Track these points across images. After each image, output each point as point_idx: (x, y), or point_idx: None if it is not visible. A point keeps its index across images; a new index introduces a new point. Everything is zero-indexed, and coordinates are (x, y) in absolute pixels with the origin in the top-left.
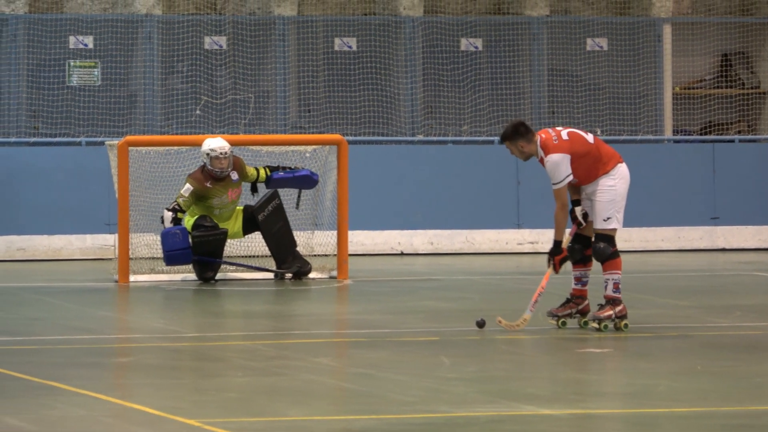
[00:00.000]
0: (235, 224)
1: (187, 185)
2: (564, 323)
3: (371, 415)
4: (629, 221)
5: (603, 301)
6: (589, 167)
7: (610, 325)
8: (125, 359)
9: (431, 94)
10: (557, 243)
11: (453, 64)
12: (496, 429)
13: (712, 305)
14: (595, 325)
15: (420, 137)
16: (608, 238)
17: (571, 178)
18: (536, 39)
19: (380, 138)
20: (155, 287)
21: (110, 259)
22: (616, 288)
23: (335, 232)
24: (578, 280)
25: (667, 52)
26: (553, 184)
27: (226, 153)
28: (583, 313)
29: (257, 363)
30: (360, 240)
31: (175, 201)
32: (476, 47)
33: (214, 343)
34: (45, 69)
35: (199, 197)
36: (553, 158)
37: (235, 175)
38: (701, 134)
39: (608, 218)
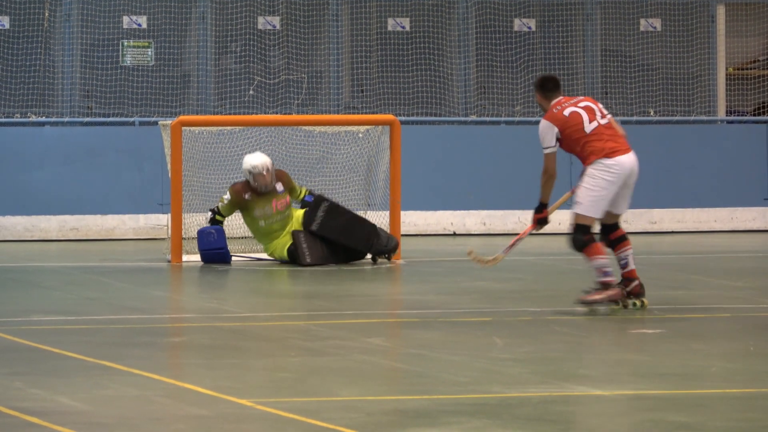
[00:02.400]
0: (284, 249)
1: (226, 196)
2: (626, 306)
3: (423, 396)
4: (684, 201)
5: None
6: (575, 152)
7: (602, 308)
8: (178, 339)
9: (484, 74)
10: (541, 204)
11: (506, 44)
12: (549, 410)
13: (765, 286)
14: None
15: (473, 117)
16: (582, 227)
17: (554, 150)
18: (590, 19)
19: (433, 118)
20: (208, 267)
21: (163, 239)
22: (602, 273)
23: (388, 213)
24: (619, 263)
25: (720, 33)
26: (542, 147)
27: (268, 169)
28: (636, 294)
29: (310, 343)
30: (412, 220)
31: (218, 204)
32: (529, 27)
33: (267, 323)
34: (99, 49)
35: (240, 208)
36: (542, 124)
37: (280, 186)
38: (755, 115)
39: (578, 203)
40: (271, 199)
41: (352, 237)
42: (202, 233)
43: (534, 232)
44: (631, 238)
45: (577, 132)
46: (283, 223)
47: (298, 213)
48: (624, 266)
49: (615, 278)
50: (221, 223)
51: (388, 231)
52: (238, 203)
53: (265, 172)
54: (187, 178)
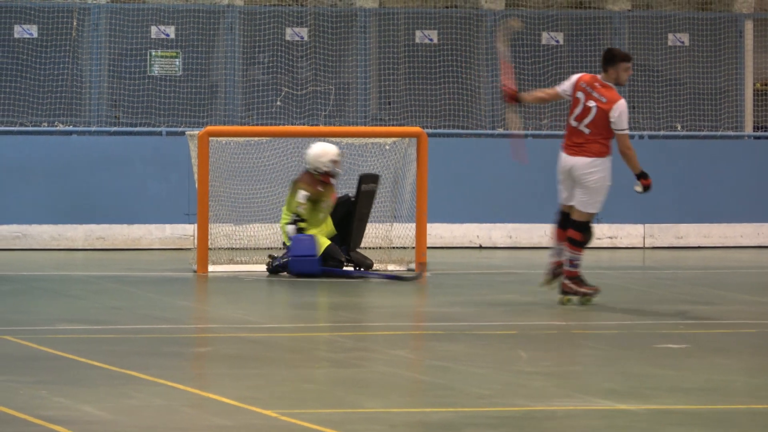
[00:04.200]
0: (328, 223)
1: (303, 192)
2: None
3: (448, 408)
4: (710, 216)
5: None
6: (605, 136)
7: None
8: (203, 349)
9: None
10: (641, 173)
11: (534, 57)
12: (573, 423)
13: None
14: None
15: (500, 130)
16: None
17: None
18: (617, 33)
19: (460, 131)
20: (234, 277)
21: (189, 249)
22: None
23: (414, 225)
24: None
25: (748, 48)
26: (621, 129)
27: (338, 158)
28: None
29: (335, 354)
30: (438, 233)
31: (293, 213)
32: (557, 41)
33: (292, 334)
34: (126, 59)
35: (312, 202)
36: (624, 105)
37: (333, 180)
38: None
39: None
40: (331, 192)
41: (359, 231)
42: (297, 240)
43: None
44: (657, 252)
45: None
46: (327, 216)
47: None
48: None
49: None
50: (304, 230)
51: (414, 243)
52: (314, 197)
53: (340, 159)
54: (214, 188)
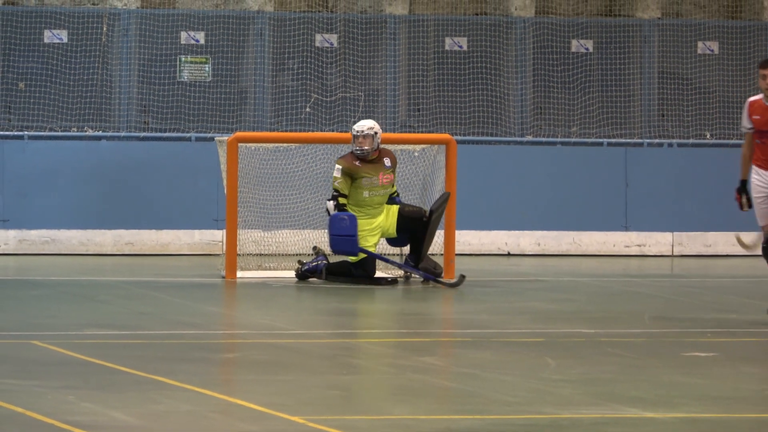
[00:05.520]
0: (387, 219)
1: (337, 166)
2: None
3: (475, 415)
4: (739, 225)
5: None
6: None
7: None
8: (231, 355)
9: (541, 94)
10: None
11: (563, 65)
12: (601, 431)
13: None
14: None
15: (529, 138)
16: None
17: (748, 131)
18: (647, 41)
19: (489, 138)
20: (262, 284)
21: (218, 254)
22: None
23: (442, 232)
24: None
25: None
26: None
27: (363, 132)
28: None
29: (362, 361)
30: (467, 240)
31: (332, 189)
32: (587, 49)
33: (320, 341)
34: (156, 64)
35: (351, 177)
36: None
37: (388, 162)
38: None
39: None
40: (379, 171)
41: (427, 245)
42: (335, 218)
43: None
44: (686, 261)
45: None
46: (382, 200)
47: (393, 208)
48: None
49: None
50: (346, 205)
51: (442, 250)
52: (349, 171)
53: (359, 134)
54: (243, 194)
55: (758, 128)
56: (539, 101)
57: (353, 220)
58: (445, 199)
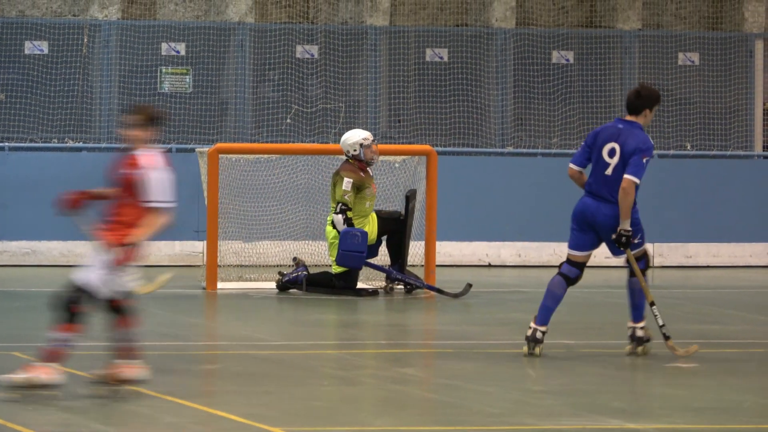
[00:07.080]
0: (372, 227)
1: (347, 179)
2: None
3: (457, 426)
4: (719, 236)
5: None
6: None
7: None
8: (212, 366)
9: (521, 106)
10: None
11: (544, 76)
12: None
13: None
14: None
15: (510, 149)
16: None
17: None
18: (628, 53)
19: (470, 149)
20: (243, 295)
21: (198, 266)
22: None
23: (423, 243)
24: None
25: (758, 68)
26: None
27: (373, 140)
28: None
29: (343, 372)
30: (448, 251)
31: (339, 203)
32: (567, 60)
33: (301, 352)
34: (137, 75)
35: (357, 189)
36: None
37: (371, 171)
38: None
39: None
40: (372, 181)
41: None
42: (346, 234)
43: None
44: (666, 272)
45: None
46: (371, 210)
47: (373, 215)
48: None
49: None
50: (352, 219)
51: (423, 261)
52: (358, 183)
53: (374, 143)
54: (224, 205)
55: None
56: (520, 112)
57: (365, 236)
58: (414, 191)
